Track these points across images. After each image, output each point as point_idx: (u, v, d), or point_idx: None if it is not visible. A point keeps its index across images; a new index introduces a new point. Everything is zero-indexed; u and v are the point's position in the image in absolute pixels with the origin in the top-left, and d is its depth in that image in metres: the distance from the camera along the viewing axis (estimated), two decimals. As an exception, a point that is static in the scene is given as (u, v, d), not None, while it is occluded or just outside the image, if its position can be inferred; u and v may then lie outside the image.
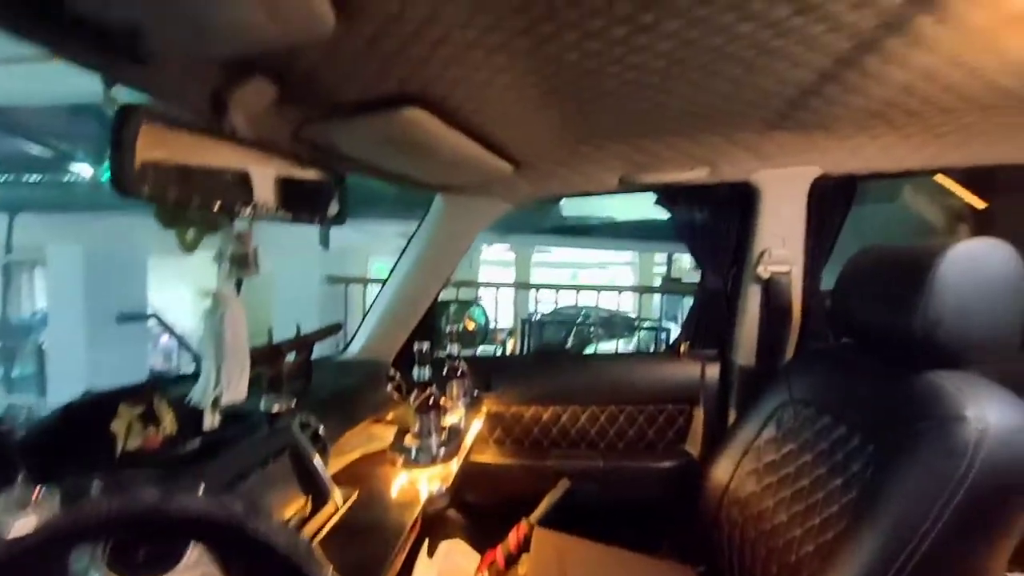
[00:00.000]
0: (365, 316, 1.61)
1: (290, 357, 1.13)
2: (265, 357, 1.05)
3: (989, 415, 0.75)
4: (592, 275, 13.55)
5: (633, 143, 1.21)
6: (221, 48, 0.56)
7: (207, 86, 0.65)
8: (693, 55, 0.74)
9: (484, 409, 1.51)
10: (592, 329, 6.17)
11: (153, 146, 0.55)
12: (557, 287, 4.55)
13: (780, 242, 1.36)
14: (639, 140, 1.20)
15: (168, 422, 0.75)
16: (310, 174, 0.86)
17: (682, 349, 1.58)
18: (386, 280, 1.59)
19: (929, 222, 2.43)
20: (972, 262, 0.85)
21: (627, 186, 1.38)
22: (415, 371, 1.17)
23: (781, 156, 1.27)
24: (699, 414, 1.53)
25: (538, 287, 4.38)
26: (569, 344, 6.26)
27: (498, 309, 3.94)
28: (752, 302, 1.41)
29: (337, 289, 3.47)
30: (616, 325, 6.67)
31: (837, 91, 0.90)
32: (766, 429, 1.18)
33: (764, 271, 1.36)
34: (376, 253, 7.35)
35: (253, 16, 0.48)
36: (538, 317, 6.29)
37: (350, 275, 3.83)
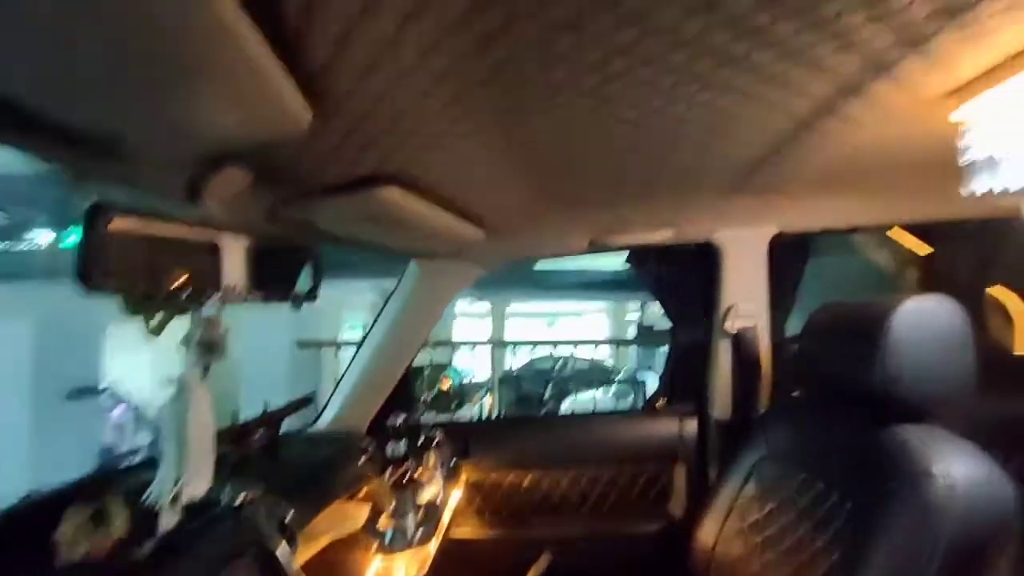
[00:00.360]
0: (337, 385, 1.57)
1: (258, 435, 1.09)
2: (231, 439, 1.01)
3: (954, 471, 0.77)
4: (567, 324, 13.61)
5: (601, 207, 1.27)
6: (196, 146, 0.57)
7: (181, 177, 0.66)
8: (657, 124, 0.77)
9: (463, 478, 1.46)
10: (570, 383, 6.14)
11: (122, 241, 0.54)
12: (533, 343, 4.55)
13: (745, 297, 1.41)
14: (607, 204, 1.26)
15: (120, 523, 0.69)
16: (283, 252, 0.86)
17: (659, 405, 1.58)
18: (359, 346, 1.56)
19: (883, 268, 2.56)
20: (920, 317, 0.90)
21: (597, 247, 1.43)
22: (390, 447, 1.13)
23: (740, 217, 1.34)
24: (680, 472, 1.52)
25: (514, 345, 4.37)
26: (547, 395, 6.20)
27: (475, 363, 3.91)
28: (723, 356, 1.44)
29: (309, 352, 3.35)
30: (593, 375, 6.65)
31: (791, 157, 0.97)
32: (747, 486, 1.18)
33: (732, 326, 1.40)
34: (350, 307, 7.24)
35: (228, 118, 0.50)
36: (515, 371, 6.23)
37: (322, 336, 3.73)
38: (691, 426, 1.52)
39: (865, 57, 0.60)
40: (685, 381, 1.59)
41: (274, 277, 0.83)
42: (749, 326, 1.41)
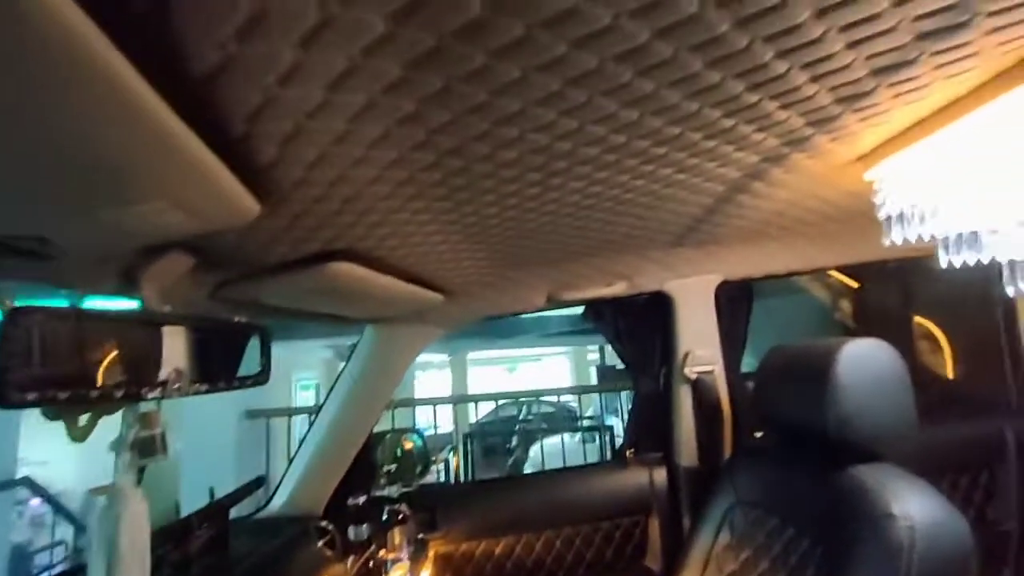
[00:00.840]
0: (291, 462, 1.47)
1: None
2: (172, 537, 0.91)
3: (913, 511, 0.80)
4: (529, 368, 13.54)
5: (557, 266, 1.29)
6: (135, 243, 0.55)
7: (117, 269, 0.62)
8: (604, 193, 0.82)
9: (431, 553, 1.38)
10: (536, 429, 6.03)
11: (46, 346, 0.50)
12: (496, 397, 4.47)
13: (699, 343, 1.45)
14: (562, 263, 1.28)
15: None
16: (227, 332, 0.82)
17: (628, 455, 1.57)
18: (313, 419, 1.48)
19: (820, 301, 2.72)
20: (862, 360, 0.95)
21: (555, 303, 1.44)
22: (351, 530, 1.06)
23: (688, 267, 1.40)
24: (654, 524, 1.50)
25: (476, 400, 4.26)
26: (514, 443, 6.04)
27: (439, 417, 3.78)
28: (685, 403, 1.47)
29: (259, 423, 3.11)
30: (559, 420, 6.57)
31: (728, 214, 1.04)
32: (721, 535, 1.17)
33: (690, 372, 1.43)
34: (301, 366, 6.91)
35: (171, 216, 0.48)
36: (481, 420, 6.06)
37: (272, 403, 3.48)
38: (661, 475, 1.52)
39: (782, 134, 0.68)
40: (650, 428, 1.60)
41: (219, 361, 0.78)
42: (707, 371, 1.44)
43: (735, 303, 1.54)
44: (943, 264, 0.84)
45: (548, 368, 13.36)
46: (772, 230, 1.19)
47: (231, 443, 4.05)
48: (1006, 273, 0.79)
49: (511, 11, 0.37)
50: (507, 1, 0.36)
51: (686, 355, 1.45)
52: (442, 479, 4.90)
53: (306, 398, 6.99)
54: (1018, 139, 0.70)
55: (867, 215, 1.12)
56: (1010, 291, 0.79)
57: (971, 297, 1.72)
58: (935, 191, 0.82)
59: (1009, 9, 0.47)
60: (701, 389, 1.44)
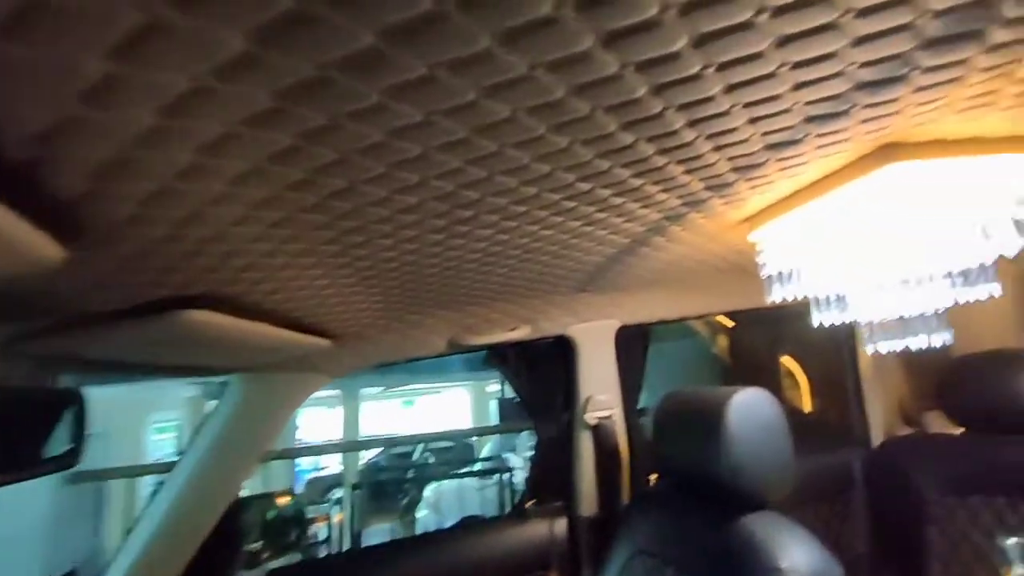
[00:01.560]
0: (127, 539, 1.19)
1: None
2: None
3: (799, 563, 0.83)
4: (427, 402, 13.10)
5: (460, 310, 1.22)
6: None
7: None
8: (512, 241, 0.79)
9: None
10: (431, 468, 5.73)
11: None
12: (386, 444, 4.19)
13: (600, 388, 1.46)
14: (466, 307, 1.22)
15: None
16: (26, 402, 0.62)
17: (528, 507, 1.51)
18: (164, 480, 1.22)
19: (703, 336, 2.94)
20: (749, 410, 0.99)
21: (457, 348, 1.37)
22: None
23: (590, 312, 1.41)
24: (555, 579, 1.44)
25: (368, 445, 3.96)
26: (408, 485, 5.70)
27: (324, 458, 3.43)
28: (586, 449, 1.45)
29: (87, 488, 2.31)
30: (455, 459, 6.31)
31: (630, 263, 1.08)
32: (621, 587, 1.15)
33: (591, 418, 1.43)
34: (158, 407, 5.93)
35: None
36: (372, 459, 5.64)
37: (118, 456, 2.72)
38: (562, 527, 1.47)
39: (683, 195, 0.73)
40: (552, 476, 1.56)
41: (12, 442, 0.59)
42: (607, 415, 1.45)
43: (633, 346, 1.58)
44: (815, 322, 0.93)
45: (446, 401, 13.04)
46: (667, 279, 1.25)
47: (43, 517, 2.74)
48: (866, 332, 0.89)
49: (410, 47, 0.31)
50: (403, 37, 0.30)
51: (587, 400, 1.44)
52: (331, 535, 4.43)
53: (164, 446, 5.99)
54: (874, 215, 0.78)
55: (748, 270, 1.22)
56: (869, 349, 0.88)
57: (825, 339, 1.96)
58: (808, 255, 0.90)
59: (878, 104, 0.53)
60: (601, 435, 1.43)
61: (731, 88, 0.44)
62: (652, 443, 1.18)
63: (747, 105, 0.48)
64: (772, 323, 2.25)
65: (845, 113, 0.54)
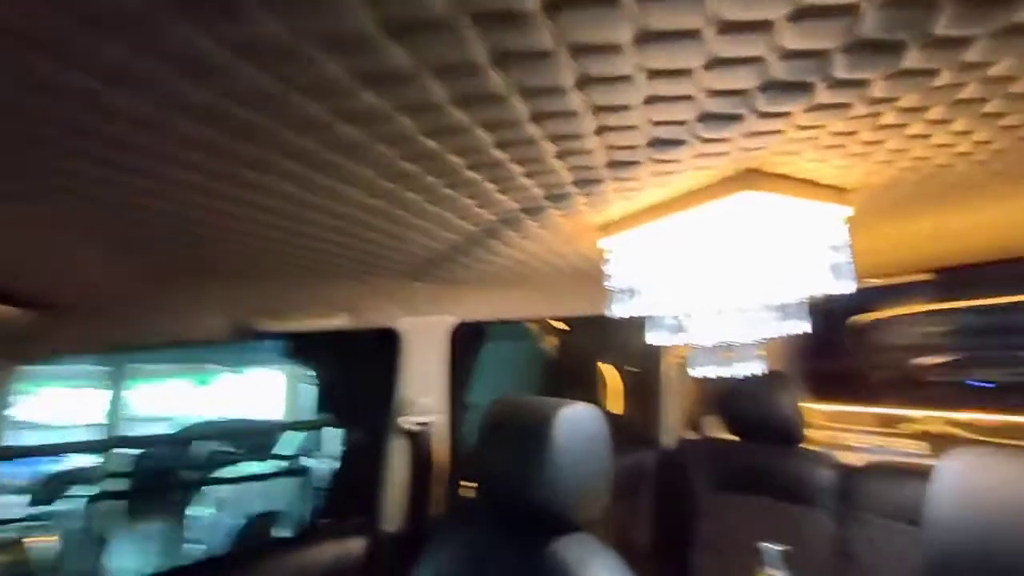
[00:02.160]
0: None
1: None
2: None
3: None
4: (227, 381, 11.39)
5: (254, 287, 0.95)
6: None
7: None
8: (328, 206, 0.63)
9: None
10: (217, 455, 4.68)
11: None
12: (143, 445, 3.34)
13: (426, 390, 1.30)
14: (261, 284, 0.95)
15: None
16: None
17: (325, 524, 1.28)
18: None
19: (535, 337, 2.98)
20: (575, 427, 0.93)
21: (247, 334, 1.07)
22: None
23: (424, 305, 1.24)
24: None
25: (121, 445, 3.15)
26: (183, 478, 4.67)
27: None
28: (399, 458, 1.28)
29: None
30: (249, 440, 5.14)
31: (476, 255, 0.96)
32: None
33: (410, 423, 1.26)
34: None
35: None
36: (139, 449, 4.50)
37: None
38: (362, 546, 1.28)
39: (546, 187, 0.66)
40: (359, 488, 1.35)
41: None
42: (428, 421, 1.30)
43: (467, 346, 1.46)
44: (649, 341, 0.91)
45: (255, 381, 11.51)
46: (516, 277, 1.16)
47: None
48: (691, 355, 0.90)
49: None
50: None
51: (408, 402, 1.28)
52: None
53: None
54: (714, 241, 0.78)
55: (593, 277, 1.18)
56: (695, 372, 0.90)
57: (638, 349, 2.11)
58: (649, 272, 0.88)
59: (716, 141, 0.55)
60: (419, 442, 1.28)
61: (597, 110, 0.43)
62: (475, 451, 1.08)
63: (598, 110, 0.46)
64: (598, 329, 2.37)
65: (683, 143, 0.54)
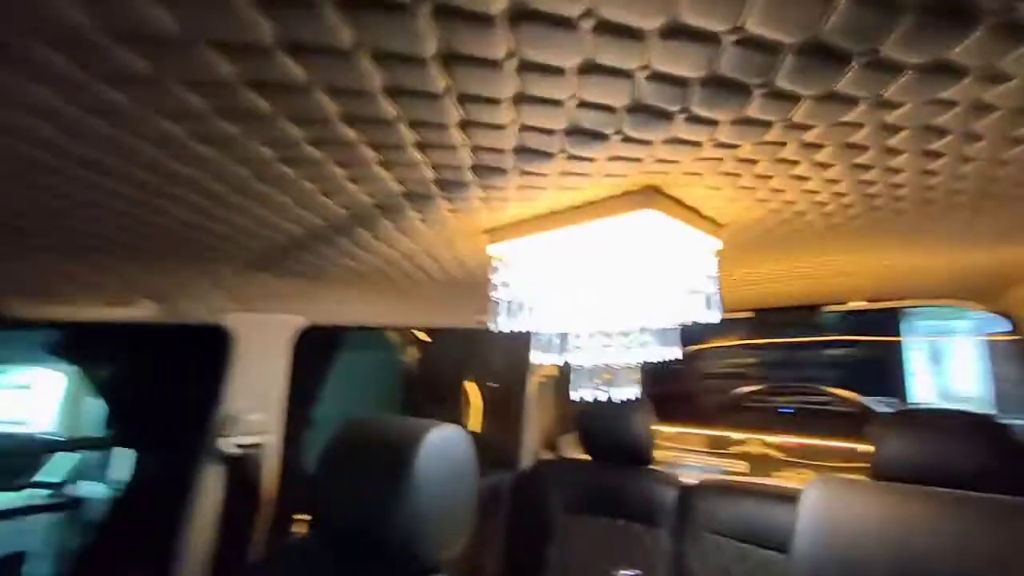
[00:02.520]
0: None
1: None
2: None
3: None
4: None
5: (13, 259, 0.67)
6: None
7: None
8: (146, 158, 0.48)
9: None
10: None
11: None
12: None
13: (257, 404, 1.07)
14: (28, 258, 0.68)
15: None
16: None
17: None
18: None
19: (395, 347, 2.79)
20: (441, 454, 0.82)
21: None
22: None
23: (264, 300, 1.02)
24: None
25: None
26: None
27: None
28: (213, 490, 1.03)
29: None
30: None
31: (340, 247, 0.81)
32: None
33: (231, 445, 1.02)
34: None
35: None
36: None
37: None
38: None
39: (405, 183, 0.59)
40: (149, 528, 1.05)
41: None
42: (256, 442, 1.07)
43: (319, 354, 1.25)
44: (534, 360, 0.84)
45: (24, 386, 9.08)
46: (381, 279, 1.00)
47: None
48: (574, 377, 0.85)
49: None
50: None
51: (231, 420, 1.03)
52: None
53: None
54: (599, 259, 0.75)
55: (472, 287, 1.09)
56: (575, 395, 0.85)
57: (505, 367, 2.07)
58: (538, 289, 0.82)
59: (624, 159, 0.53)
60: (242, 469, 1.04)
61: (447, 62, 0.37)
62: (315, 479, 0.90)
63: (462, 99, 0.41)
64: (462, 342, 2.28)
65: (604, 138, 0.49)
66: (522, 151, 0.51)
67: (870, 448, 1.13)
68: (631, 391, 0.83)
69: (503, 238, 0.79)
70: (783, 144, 0.50)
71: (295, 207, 0.63)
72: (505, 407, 2.02)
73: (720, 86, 0.40)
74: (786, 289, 1.44)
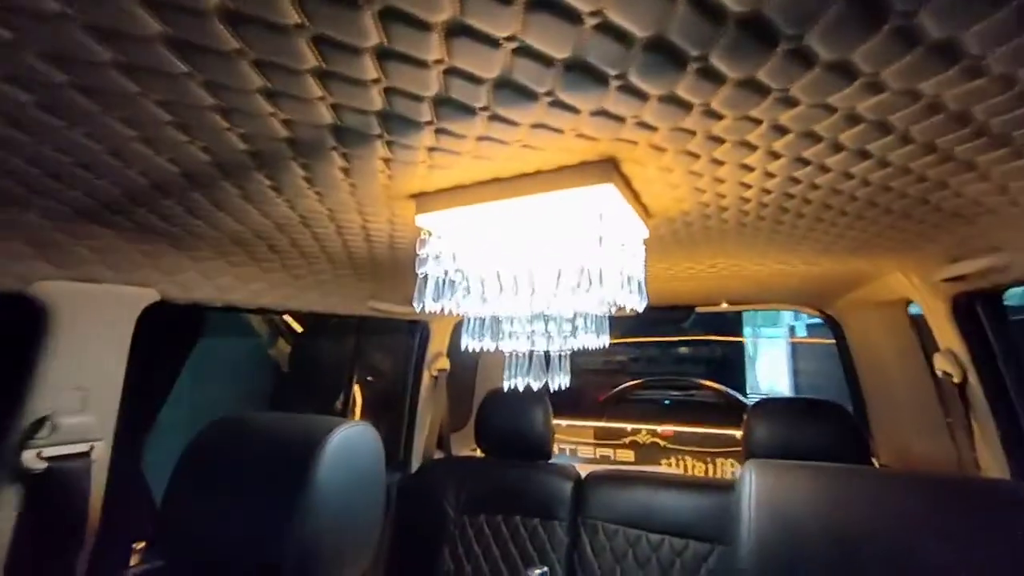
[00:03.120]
0: None
1: None
2: None
3: None
4: None
5: None
6: None
7: None
8: None
9: None
10: None
11: None
12: None
13: (74, 404, 0.81)
14: None
15: None
16: None
17: None
18: None
19: (260, 337, 2.48)
20: (349, 453, 0.70)
21: None
22: None
23: (100, 266, 0.78)
24: None
25: None
26: None
27: None
28: (4, 517, 0.75)
29: None
30: None
31: (187, 206, 0.65)
32: None
33: (36, 458, 0.76)
34: None
35: None
36: None
37: None
38: None
39: (311, 124, 0.47)
40: None
41: None
42: (79, 451, 0.81)
43: (173, 339, 1.01)
44: (463, 347, 0.75)
45: None
46: (254, 247, 0.83)
47: None
48: (508, 365, 0.78)
49: None
50: None
51: (42, 421, 0.77)
52: None
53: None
54: (536, 235, 0.69)
55: (370, 270, 0.96)
56: (506, 385, 0.77)
57: (388, 356, 1.91)
58: (473, 266, 0.73)
59: (550, 128, 0.48)
60: (55, 487, 0.78)
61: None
62: (166, 496, 0.71)
63: (384, 15, 0.34)
64: (348, 336, 2.07)
65: (533, 98, 0.43)
66: (444, 103, 0.43)
67: (738, 432, 1.24)
68: (565, 379, 0.79)
69: (431, 208, 0.69)
70: (741, 127, 0.48)
71: (137, 143, 0.47)
72: (386, 403, 1.87)
73: (663, 52, 0.37)
74: (679, 288, 1.52)
